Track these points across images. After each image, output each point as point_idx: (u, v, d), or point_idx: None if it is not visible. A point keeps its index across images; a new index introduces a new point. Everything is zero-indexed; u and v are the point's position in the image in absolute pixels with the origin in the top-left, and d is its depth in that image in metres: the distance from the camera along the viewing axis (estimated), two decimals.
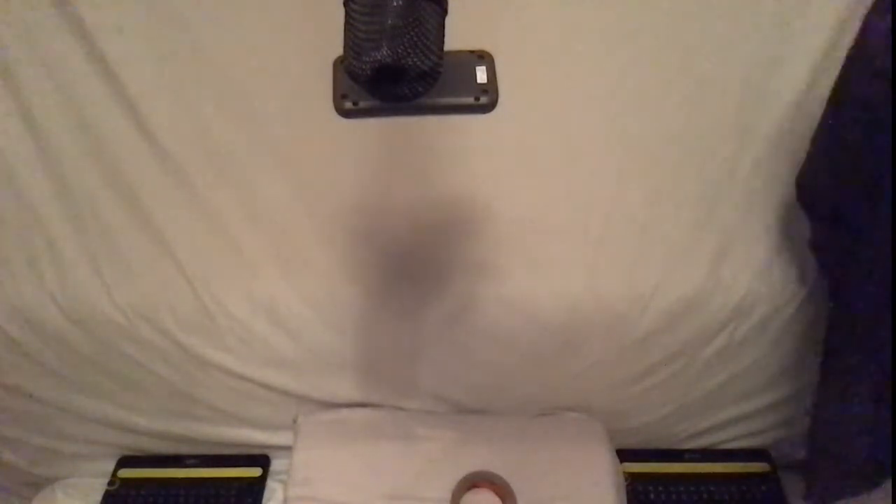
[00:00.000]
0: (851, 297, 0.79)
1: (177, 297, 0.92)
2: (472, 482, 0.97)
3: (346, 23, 0.47)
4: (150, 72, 0.78)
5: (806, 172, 0.80)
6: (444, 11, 0.48)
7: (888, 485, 0.86)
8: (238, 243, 0.90)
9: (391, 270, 0.93)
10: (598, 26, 0.77)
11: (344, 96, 0.50)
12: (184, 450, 1.09)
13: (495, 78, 0.52)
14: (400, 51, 0.45)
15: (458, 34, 0.50)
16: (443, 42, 0.48)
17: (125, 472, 1.08)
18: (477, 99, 0.51)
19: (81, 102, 0.80)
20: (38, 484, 1.10)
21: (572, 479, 0.97)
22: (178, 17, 0.75)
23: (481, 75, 0.51)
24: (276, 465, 1.09)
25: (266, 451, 1.10)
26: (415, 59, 0.46)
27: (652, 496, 1.04)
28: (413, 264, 0.93)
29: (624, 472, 1.04)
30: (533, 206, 0.88)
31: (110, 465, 1.08)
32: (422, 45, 0.46)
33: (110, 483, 1.06)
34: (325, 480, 0.97)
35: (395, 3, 0.44)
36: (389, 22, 0.44)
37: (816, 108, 0.79)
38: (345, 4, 0.46)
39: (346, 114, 0.50)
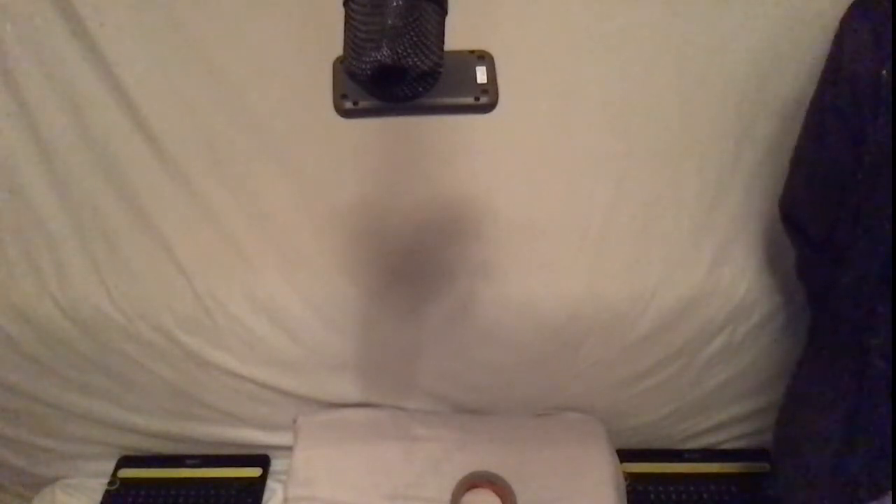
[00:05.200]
0: (834, 320, 0.77)
1: (177, 297, 0.92)
2: (472, 482, 0.97)
3: (346, 23, 0.46)
4: (150, 72, 0.78)
5: (788, 196, 0.79)
6: (444, 11, 0.47)
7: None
8: (238, 243, 0.90)
9: (391, 270, 0.93)
10: (598, 26, 0.77)
11: (344, 96, 0.50)
12: (184, 450, 1.09)
13: (495, 78, 0.51)
14: (400, 51, 0.45)
15: (458, 34, 0.50)
16: (443, 42, 0.48)
17: (125, 472, 1.08)
18: (477, 99, 0.51)
19: (81, 102, 0.80)
20: (38, 484, 1.09)
21: (572, 479, 0.97)
22: (178, 18, 0.75)
23: (481, 75, 0.51)
24: (276, 465, 1.09)
25: (266, 451, 1.10)
26: (415, 59, 0.46)
27: (652, 496, 1.04)
28: (413, 264, 0.93)
29: (624, 472, 1.04)
30: (533, 206, 0.88)
31: (110, 465, 1.08)
32: (422, 45, 0.46)
33: (110, 483, 1.06)
34: (325, 480, 0.97)
35: (395, 3, 0.44)
36: (389, 22, 0.44)
37: None
38: (345, 4, 0.46)
39: (346, 114, 0.50)
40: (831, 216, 0.72)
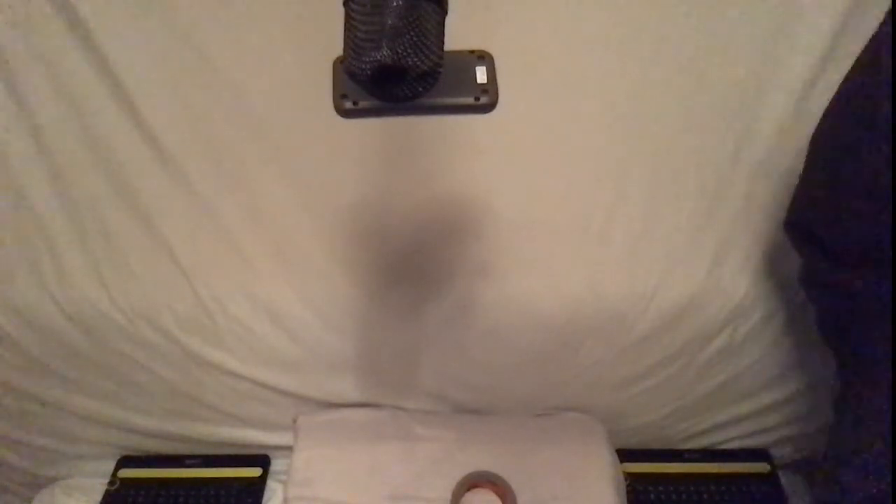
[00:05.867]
0: (861, 339, 0.69)
1: (177, 297, 0.92)
2: (472, 482, 0.97)
3: (346, 23, 0.46)
4: (151, 72, 0.78)
5: (801, 202, 0.74)
6: (444, 11, 0.47)
7: None
8: (238, 243, 0.90)
9: (391, 270, 0.93)
10: (598, 26, 0.77)
11: (344, 96, 0.50)
12: (184, 450, 1.09)
13: (495, 78, 0.51)
14: (400, 51, 0.45)
15: (458, 34, 0.50)
16: (443, 42, 0.48)
17: (125, 472, 1.08)
18: (477, 99, 0.51)
19: (81, 103, 0.80)
20: (38, 484, 1.10)
21: (572, 479, 0.97)
22: (177, 18, 0.75)
23: (481, 75, 0.51)
24: (276, 465, 1.09)
25: (266, 451, 1.10)
26: (415, 59, 0.46)
27: (652, 496, 1.04)
28: (413, 264, 0.93)
29: (624, 472, 1.04)
30: (533, 206, 0.88)
31: (110, 465, 1.08)
32: (422, 45, 0.46)
33: (110, 483, 1.06)
34: (325, 480, 0.97)
35: (395, 3, 0.44)
36: (389, 22, 0.44)
37: (817, 107, 0.79)
38: (345, 4, 0.46)
39: (346, 114, 0.50)
40: (855, 219, 0.66)
